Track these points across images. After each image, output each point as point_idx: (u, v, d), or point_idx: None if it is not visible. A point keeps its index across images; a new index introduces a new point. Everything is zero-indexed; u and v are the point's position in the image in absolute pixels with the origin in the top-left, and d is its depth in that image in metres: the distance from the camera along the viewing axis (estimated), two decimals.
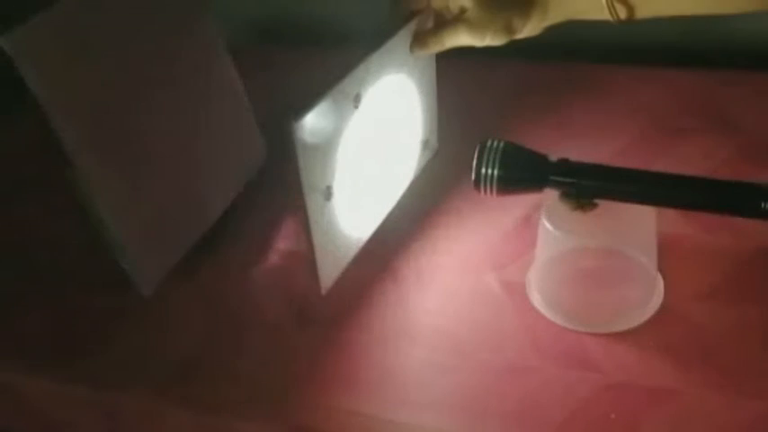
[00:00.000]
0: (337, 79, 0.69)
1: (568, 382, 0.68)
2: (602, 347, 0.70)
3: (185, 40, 0.82)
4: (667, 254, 0.74)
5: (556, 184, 0.69)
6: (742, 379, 0.66)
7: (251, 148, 0.93)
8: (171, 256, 0.82)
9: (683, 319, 0.71)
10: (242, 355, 0.75)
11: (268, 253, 0.86)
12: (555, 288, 0.75)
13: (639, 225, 0.70)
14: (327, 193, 0.70)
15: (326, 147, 0.69)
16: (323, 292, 0.74)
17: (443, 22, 0.76)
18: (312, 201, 0.68)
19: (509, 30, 0.73)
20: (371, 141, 0.76)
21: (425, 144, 0.87)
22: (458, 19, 0.74)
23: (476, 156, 0.68)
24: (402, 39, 0.76)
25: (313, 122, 0.66)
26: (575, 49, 1.03)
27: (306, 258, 0.83)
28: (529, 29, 0.74)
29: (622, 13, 0.70)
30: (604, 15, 0.71)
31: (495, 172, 0.68)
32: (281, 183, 0.93)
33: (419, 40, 0.76)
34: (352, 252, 0.78)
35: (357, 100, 0.71)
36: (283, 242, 0.87)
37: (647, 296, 0.73)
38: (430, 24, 0.78)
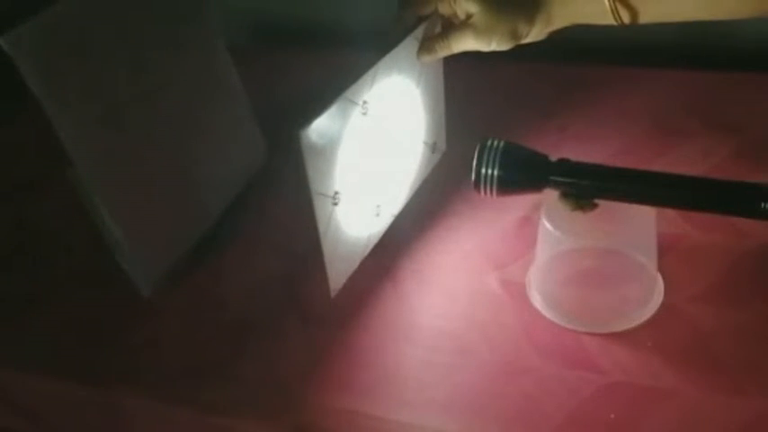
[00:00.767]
0: (345, 86, 0.69)
1: (568, 382, 0.68)
2: (602, 347, 0.70)
3: (185, 39, 0.82)
4: (667, 254, 0.74)
5: (556, 184, 0.69)
6: (742, 379, 0.66)
7: (251, 148, 0.93)
8: (171, 256, 0.83)
9: (683, 319, 0.71)
10: (242, 356, 0.75)
11: (268, 253, 0.86)
12: (555, 288, 0.75)
13: (639, 225, 0.70)
14: (335, 199, 0.71)
15: (334, 153, 0.70)
16: (332, 295, 0.74)
17: (450, 27, 0.76)
18: (320, 206, 0.69)
19: (514, 35, 0.73)
20: (379, 146, 0.77)
21: (433, 147, 0.87)
22: (464, 24, 0.74)
23: (475, 156, 0.68)
24: (409, 45, 0.76)
25: (320, 129, 0.66)
26: (575, 49, 1.03)
27: (308, 257, 0.83)
28: (534, 34, 0.75)
29: (626, 18, 0.71)
30: (608, 20, 0.71)
31: (495, 172, 0.68)
32: (281, 183, 0.94)
33: (426, 45, 0.77)
34: (361, 255, 0.78)
35: (365, 106, 0.72)
36: (283, 242, 0.87)
37: (646, 296, 0.73)
38: (437, 30, 0.78)
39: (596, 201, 0.69)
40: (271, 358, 0.75)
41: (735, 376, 0.66)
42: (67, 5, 0.69)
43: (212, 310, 0.81)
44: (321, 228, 0.69)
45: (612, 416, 0.65)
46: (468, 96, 0.97)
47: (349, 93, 0.69)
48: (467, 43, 0.75)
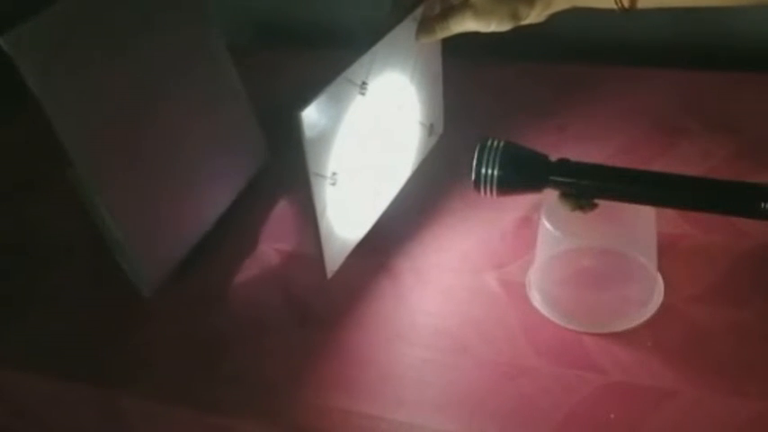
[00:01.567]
0: (344, 67, 0.69)
1: (568, 381, 0.68)
2: (601, 347, 0.70)
3: (185, 40, 0.82)
4: (667, 254, 0.74)
5: (556, 184, 0.69)
6: (742, 379, 0.66)
7: (251, 148, 0.93)
8: (171, 256, 0.83)
9: (683, 319, 0.71)
10: (242, 355, 0.75)
11: (268, 253, 0.86)
12: (555, 288, 0.75)
13: (639, 225, 0.70)
14: (333, 179, 0.70)
15: (332, 133, 0.69)
16: (328, 276, 0.74)
17: (449, 8, 0.76)
18: (318, 187, 0.68)
19: (514, 16, 0.73)
20: (377, 127, 0.77)
21: (431, 129, 0.87)
22: (464, 5, 0.74)
23: (475, 156, 0.68)
24: (408, 26, 0.76)
25: (319, 110, 0.66)
26: (575, 49, 1.03)
27: (306, 257, 0.83)
28: (534, 16, 0.74)
29: (626, 2, 0.71)
30: (608, 4, 0.71)
31: (495, 172, 0.68)
32: (281, 182, 0.94)
33: (425, 26, 0.77)
34: (357, 237, 0.78)
35: (363, 87, 0.72)
36: (283, 243, 0.87)
37: (646, 296, 0.73)
38: (436, 11, 0.78)
39: (596, 201, 0.69)
40: (267, 357, 0.74)
41: (735, 376, 0.66)
42: (67, 5, 0.69)
43: (212, 310, 0.81)
44: (318, 208, 0.69)
45: (612, 416, 0.65)
46: (469, 96, 0.97)
47: (348, 73, 0.69)
48: (466, 24, 0.75)
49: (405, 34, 0.76)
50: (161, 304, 0.81)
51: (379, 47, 0.72)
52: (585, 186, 0.68)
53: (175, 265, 0.83)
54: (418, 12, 0.77)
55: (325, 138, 0.69)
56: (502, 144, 0.69)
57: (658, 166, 0.69)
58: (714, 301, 0.72)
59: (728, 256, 0.76)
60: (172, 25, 0.81)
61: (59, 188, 0.77)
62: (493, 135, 0.69)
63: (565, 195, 0.69)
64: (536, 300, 0.75)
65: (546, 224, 0.71)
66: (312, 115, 0.65)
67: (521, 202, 0.84)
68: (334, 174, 0.70)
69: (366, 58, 0.71)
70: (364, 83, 0.72)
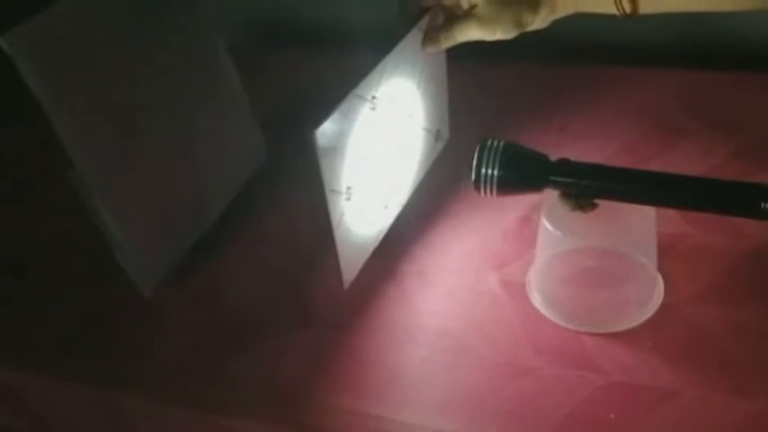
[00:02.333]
0: (354, 83, 0.69)
1: (568, 381, 0.68)
2: (602, 347, 0.70)
3: (185, 40, 0.82)
4: (667, 254, 0.74)
5: (556, 184, 0.69)
6: (742, 379, 0.66)
7: (251, 147, 0.93)
8: (171, 256, 0.83)
9: (683, 319, 0.71)
10: (243, 355, 0.75)
11: (268, 253, 0.86)
12: (555, 288, 0.75)
13: (639, 225, 0.70)
14: (348, 194, 0.71)
15: (345, 149, 0.70)
16: (345, 287, 0.74)
17: (454, 18, 0.76)
18: (333, 202, 0.69)
19: (519, 23, 0.73)
20: (387, 139, 0.77)
21: (437, 135, 0.88)
22: (468, 14, 0.74)
23: (475, 156, 0.68)
24: (413, 37, 0.77)
25: (332, 127, 0.66)
26: (575, 49, 1.03)
27: (306, 257, 0.83)
28: (538, 22, 0.75)
29: (628, 7, 0.71)
30: (611, 9, 0.71)
31: (495, 172, 0.68)
32: (281, 182, 0.94)
33: (430, 36, 0.77)
34: (371, 247, 0.79)
35: (373, 101, 0.72)
36: (283, 242, 0.87)
37: (646, 296, 0.73)
38: (440, 21, 0.78)
39: (596, 201, 0.69)
40: (271, 358, 0.75)
41: (735, 376, 0.66)
42: (67, 5, 0.69)
43: (212, 310, 0.81)
44: (334, 222, 0.70)
45: (612, 416, 0.65)
46: (468, 96, 0.97)
47: (359, 89, 0.70)
48: (471, 33, 0.75)
49: (411, 44, 0.77)
50: (161, 304, 0.81)
51: (388, 60, 0.73)
52: (585, 186, 0.68)
53: (175, 264, 0.83)
54: (423, 22, 0.77)
55: (339, 154, 0.69)
56: (502, 144, 0.69)
57: (658, 165, 0.69)
58: (714, 300, 0.72)
59: (729, 256, 0.76)
60: (172, 25, 0.81)
61: (59, 188, 0.77)
62: (493, 135, 0.70)
63: (565, 195, 0.69)
64: (536, 300, 0.75)
65: (546, 224, 0.71)
66: (326, 133, 0.66)
67: (521, 202, 0.84)
68: (348, 188, 0.71)
69: (375, 72, 0.71)
70: (374, 97, 0.72)
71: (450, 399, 0.68)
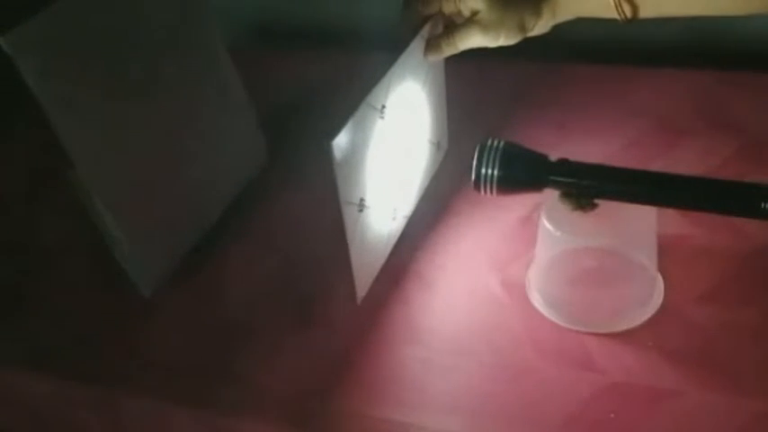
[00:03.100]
0: (361, 90, 0.69)
1: (568, 382, 0.68)
2: (602, 347, 0.70)
3: (185, 40, 0.82)
4: (667, 254, 0.74)
5: (556, 184, 0.69)
6: (742, 379, 0.66)
7: (251, 148, 0.93)
8: (171, 257, 0.83)
9: (683, 320, 0.71)
10: (243, 356, 0.75)
11: (268, 253, 0.86)
12: (555, 288, 0.75)
13: (639, 225, 0.70)
14: (361, 206, 0.71)
15: (358, 160, 0.70)
16: (358, 302, 0.74)
17: (455, 25, 0.76)
18: (348, 214, 0.68)
19: (522, 29, 0.74)
20: (396, 149, 0.77)
21: (438, 146, 0.88)
22: (470, 21, 0.74)
23: (475, 156, 0.68)
24: (416, 46, 0.76)
25: (347, 138, 0.66)
26: (575, 49, 1.03)
27: (307, 258, 0.83)
28: (540, 26, 0.75)
29: (628, 12, 0.71)
30: (611, 14, 0.72)
31: (495, 172, 0.68)
32: (281, 182, 0.94)
33: (432, 44, 0.77)
34: (383, 258, 0.78)
35: (383, 111, 0.72)
36: (284, 243, 0.87)
37: (647, 296, 0.73)
38: (440, 29, 0.78)
39: (596, 201, 0.69)
40: (270, 359, 0.74)
41: (735, 376, 0.66)
42: (67, 5, 0.69)
43: (212, 310, 0.81)
44: (349, 236, 0.69)
45: (613, 416, 0.65)
46: (468, 96, 0.97)
47: (370, 98, 0.69)
48: (474, 40, 0.75)
49: (415, 53, 0.77)
50: (161, 304, 0.81)
51: (395, 68, 0.72)
52: (585, 186, 0.68)
53: (175, 264, 0.83)
54: (426, 30, 0.77)
55: (353, 165, 0.69)
56: (502, 144, 0.69)
57: (659, 165, 0.69)
58: (715, 301, 0.72)
59: (729, 257, 0.76)
60: (172, 26, 0.81)
61: (59, 188, 0.77)
62: (493, 135, 0.70)
63: (565, 195, 0.69)
64: (536, 300, 0.75)
65: (546, 224, 0.70)
66: (341, 144, 0.65)
67: (521, 202, 0.84)
68: (361, 200, 0.71)
69: (384, 81, 0.71)
70: (383, 106, 0.72)
71: (449, 399, 0.68)
